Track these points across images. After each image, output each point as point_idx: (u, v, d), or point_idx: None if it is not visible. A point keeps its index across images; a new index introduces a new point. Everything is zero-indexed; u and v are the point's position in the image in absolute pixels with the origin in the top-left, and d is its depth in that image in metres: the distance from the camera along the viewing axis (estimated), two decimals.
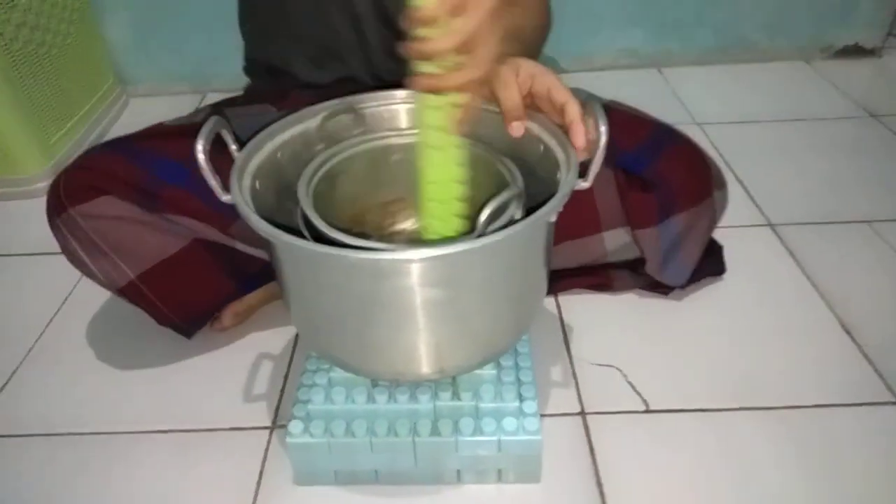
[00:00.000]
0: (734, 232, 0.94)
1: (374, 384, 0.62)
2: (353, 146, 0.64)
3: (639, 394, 0.72)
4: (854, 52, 1.48)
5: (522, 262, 0.53)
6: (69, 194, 0.68)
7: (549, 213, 0.49)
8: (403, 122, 0.67)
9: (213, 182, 0.53)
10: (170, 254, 0.71)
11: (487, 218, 0.51)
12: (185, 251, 0.72)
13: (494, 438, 0.60)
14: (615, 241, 0.78)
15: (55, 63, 1.22)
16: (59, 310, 0.90)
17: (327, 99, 0.77)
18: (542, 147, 0.59)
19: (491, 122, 0.60)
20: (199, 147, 0.52)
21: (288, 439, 0.60)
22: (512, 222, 0.52)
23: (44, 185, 1.16)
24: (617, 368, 0.75)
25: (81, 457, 0.69)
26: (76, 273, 0.95)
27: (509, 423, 0.60)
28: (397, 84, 0.78)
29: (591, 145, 0.55)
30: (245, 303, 0.81)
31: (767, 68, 1.47)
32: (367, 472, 0.63)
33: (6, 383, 0.79)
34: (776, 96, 1.35)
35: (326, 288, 0.50)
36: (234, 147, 0.57)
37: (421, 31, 0.47)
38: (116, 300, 0.89)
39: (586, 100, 0.56)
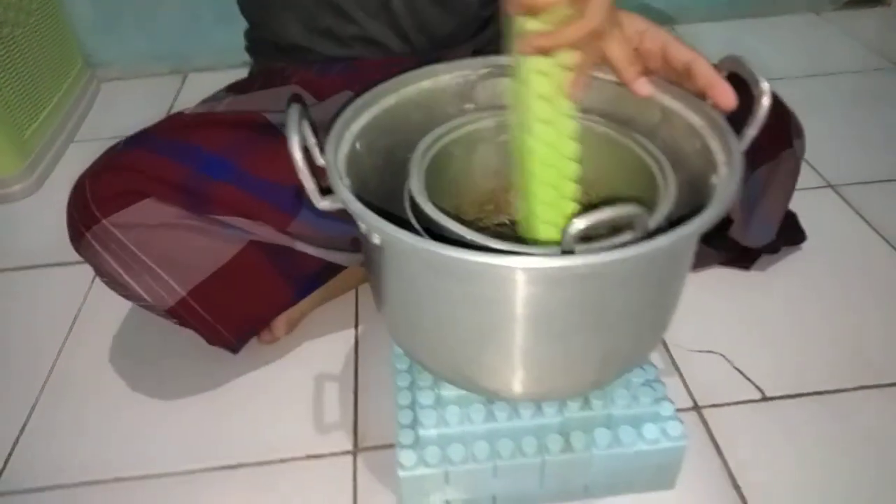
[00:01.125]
0: (795, 195, 0.89)
1: (491, 399, 0.55)
2: (456, 128, 0.55)
3: (750, 381, 0.67)
4: (863, 0, 1.45)
5: (687, 257, 0.46)
6: (100, 202, 0.57)
7: (734, 195, 0.41)
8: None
9: (311, 185, 0.44)
10: (224, 261, 0.61)
11: (579, 233, 0.38)
12: (240, 256, 0.61)
13: (634, 449, 0.53)
14: None
15: (19, 46, 1.06)
16: (70, 331, 0.78)
17: (371, 77, 0.67)
18: (659, 112, 0.52)
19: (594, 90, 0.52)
20: (295, 143, 0.43)
21: (400, 472, 0.52)
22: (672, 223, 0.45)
23: (21, 186, 1.02)
24: (720, 354, 0.70)
25: None
26: (81, 284, 0.84)
27: (649, 430, 0.53)
28: (437, 45, 0.70)
29: None
30: (299, 309, 0.72)
31: (780, 22, 1.42)
32: (484, 499, 0.55)
33: (24, 427, 0.68)
34: (799, 51, 1.30)
35: (471, 302, 0.41)
36: (312, 140, 0.47)
37: None
38: (136, 314, 0.79)
39: (727, 57, 0.49)
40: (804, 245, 0.82)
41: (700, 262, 0.78)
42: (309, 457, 0.62)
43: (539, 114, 0.46)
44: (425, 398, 0.55)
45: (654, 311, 0.46)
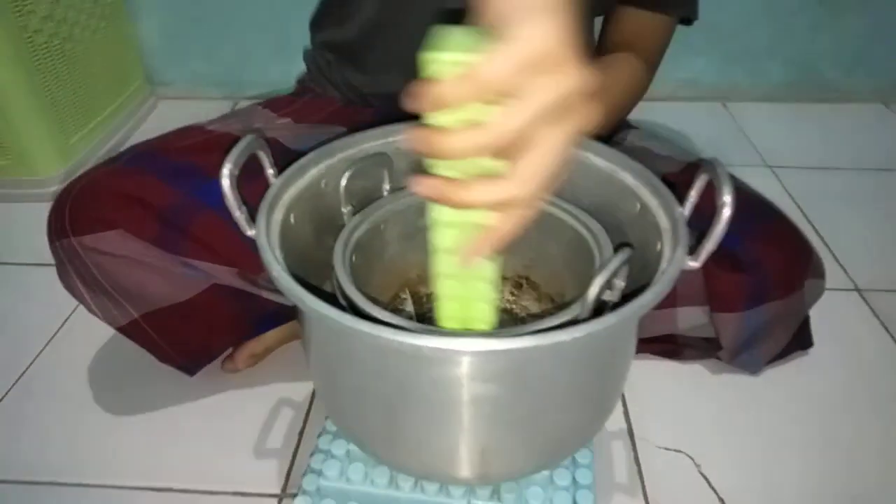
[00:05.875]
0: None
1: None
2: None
3: (714, 490, 0.61)
4: None
5: (603, 359, 0.43)
6: (74, 221, 0.58)
7: (649, 303, 0.38)
8: None
9: (238, 213, 0.44)
10: (182, 300, 0.62)
11: (599, 294, 0.40)
12: (199, 297, 0.62)
13: None
14: (689, 320, 0.65)
15: (81, 59, 1.14)
16: (58, 330, 0.81)
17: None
18: (638, 205, 0.49)
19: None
20: (226, 171, 0.43)
21: None
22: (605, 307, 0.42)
23: (59, 188, 1.08)
24: (687, 455, 0.64)
25: None
26: None
27: None
28: None
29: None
30: (263, 343, 0.72)
31: (843, 109, 1.35)
32: None
33: None
34: (856, 141, 1.23)
35: (356, 365, 0.40)
36: (270, 172, 0.48)
37: (435, 118, 0.31)
38: None
39: (704, 161, 0.46)
40: (815, 348, 0.75)
41: (691, 354, 0.73)
42: (236, 494, 0.61)
43: (441, 268, 0.40)
44: (337, 448, 0.54)
45: (549, 416, 0.43)
